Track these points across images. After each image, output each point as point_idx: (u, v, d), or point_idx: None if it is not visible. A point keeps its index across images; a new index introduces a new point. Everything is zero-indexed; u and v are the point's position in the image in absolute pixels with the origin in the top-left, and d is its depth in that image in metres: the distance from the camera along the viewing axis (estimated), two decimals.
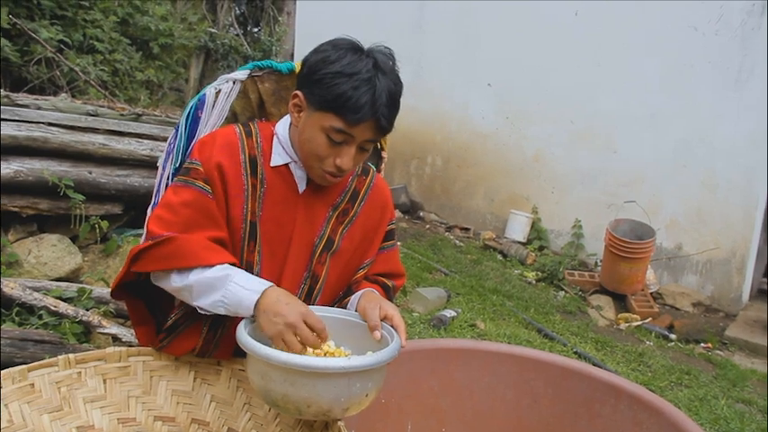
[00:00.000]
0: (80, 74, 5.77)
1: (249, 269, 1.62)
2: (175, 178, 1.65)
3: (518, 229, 7.03)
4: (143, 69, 7.47)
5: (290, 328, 1.42)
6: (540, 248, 6.90)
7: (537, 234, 7.02)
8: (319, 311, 1.62)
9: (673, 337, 5.32)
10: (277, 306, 1.45)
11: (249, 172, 1.63)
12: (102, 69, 6.37)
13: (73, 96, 5.60)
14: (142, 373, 1.72)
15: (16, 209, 3.57)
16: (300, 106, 1.58)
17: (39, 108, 3.92)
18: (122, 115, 4.24)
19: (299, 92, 1.57)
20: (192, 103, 1.86)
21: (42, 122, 3.77)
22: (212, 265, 1.52)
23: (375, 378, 1.43)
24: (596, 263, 6.54)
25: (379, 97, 1.48)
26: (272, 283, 1.51)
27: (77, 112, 4.05)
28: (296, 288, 1.68)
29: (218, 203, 1.60)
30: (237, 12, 12.89)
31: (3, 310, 2.97)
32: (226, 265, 1.53)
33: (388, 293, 1.83)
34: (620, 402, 2.03)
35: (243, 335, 1.42)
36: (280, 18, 12.53)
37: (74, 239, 3.79)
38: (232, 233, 1.62)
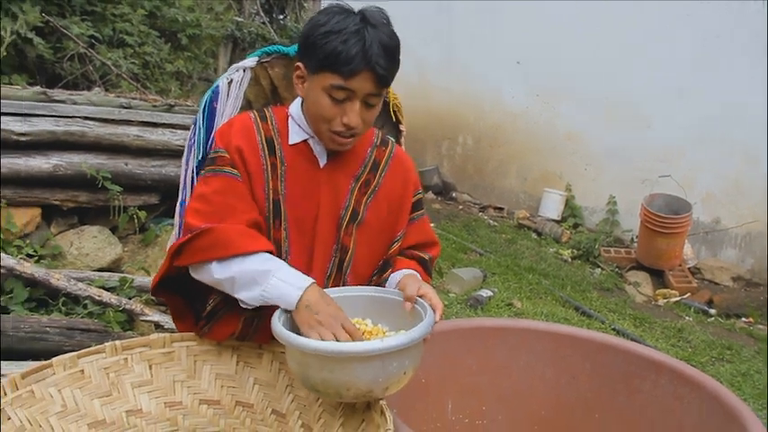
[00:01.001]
0: (112, 68, 5.85)
1: (277, 247, 1.65)
2: (203, 170, 1.68)
3: (552, 207, 6.99)
4: (172, 61, 7.51)
5: (329, 327, 1.44)
6: (575, 226, 6.86)
7: (571, 212, 6.97)
8: (356, 291, 1.64)
9: (712, 312, 5.26)
10: (319, 305, 1.48)
11: (267, 152, 1.66)
12: (132, 62, 6.43)
13: (106, 90, 5.69)
14: (186, 357, 1.75)
15: (57, 202, 3.66)
16: (303, 77, 1.61)
17: (74, 103, 3.99)
18: (155, 106, 4.30)
19: (299, 62, 1.61)
20: (206, 96, 1.90)
21: (78, 117, 3.83)
22: (251, 253, 1.54)
23: (412, 355, 1.45)
24: (632, 239, 6.47)
25: (370, 47, 1.50)
26: (313, 280, 1.53)
27: (111, 105, 4.11)
28: (327, 261, 1.71)
29: (246, 185, 1.63)
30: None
31: (50, 300, 3.06)
32: (266, 256, 1.55)
33: (426, 266, 1.84)
34: (660, 377, 2.02)
35: (277, 326, 1.44)
36: (305, 4, 12.52)
37: (113, 230, 3.87)
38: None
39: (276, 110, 1.75)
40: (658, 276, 5.87)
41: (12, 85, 4.95)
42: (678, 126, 6.28)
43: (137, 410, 1.66)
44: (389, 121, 2.18)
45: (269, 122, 1.70)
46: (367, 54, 1.49)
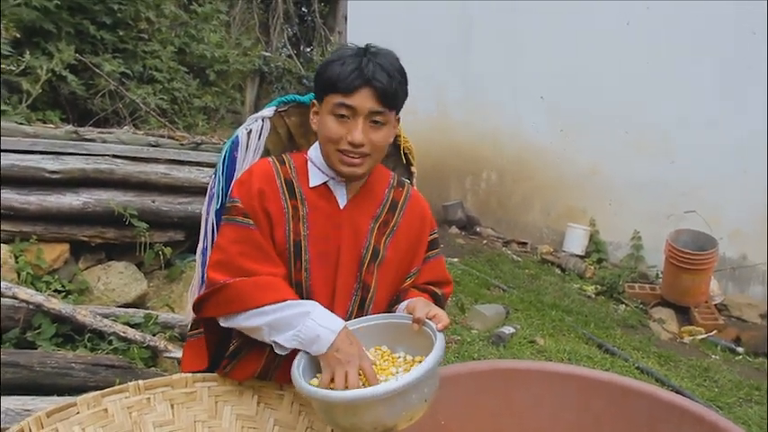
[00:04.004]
0: (141, 104, 5.98)
1: (299, 287, 1.70)
2: (222, 219, 1.75)
3: (576, 242, 6.95)
4: (200, 96, 7.67)
5: (345, 366, 1.50)
6: (599, 261, 6.80)
7: (595, 247, 6.92)
8: (370, 320, 1.69)
9: (740, 350, 5.17)
10: (344, 346, 1.53)
11: (288, 195, 1.71)
12: (161, 98, 6.57)
13: (135, 126, 5.81)
14: (207, 398, 1.78)
15: (86, 238, 3.73)
16: (316, 111, 1.70)
17: (104, 141, 4.08)
18: (182, 145, 4.38)
19: (314, 99, 1.71)
20: (226, 145, 1.95)
21: (108, 155, 3.91)
22: (273, 303, 1.59)
23: (429, 383, 1.48)
24: (657, 275, 6.40)
25: (367, 66, 1.59)
26: (344, 323, 1.59)
27: (140, 143, 4.20)
28: (348, 299, 1.74)
29: (263, 231, 1.68)
30: (290, 33, 13.12)
31: (76, 336, 3.11)
32: (300, 301, 1.61)
33: (438, 301, 1.86)
34: (683, 423, 1.99)
35: (299, 381, 1.49)
36: (331, 37, 12.71)
37: (139, 266, 3.92)
38: (278, 255, 1.70)
39: (294, 155, 1.81)
40: (684, 313, 5.78)
41: (45, 121, 5.10)
42: (704, 160, 6.24)
43: None
44: (401, 163, 2.22)
45: (287, 166, 1.76)
46: (363, 71, 1.59)
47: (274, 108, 1.96)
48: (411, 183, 2.15)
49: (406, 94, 1.69)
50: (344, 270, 1.73)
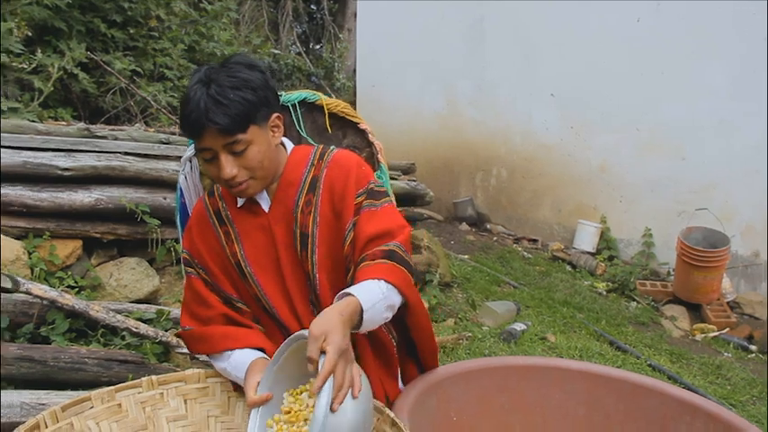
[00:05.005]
0: (152, 102, 6.01)
1: (257, 300, 1.79)
2: None
3: (587, 239, 6.92)
4: None
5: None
6: (610, 258, 6.78)
7: (606, 244, 6.89)
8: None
9: (753, 348, 5.13)
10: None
11: (218, 224, 1.80)
12: (171, 96, 6.61)
13: (146, 123, 5.85)
14: (220, 393, 1.80)
15: (98, 235, 3.75)
16: None
17: (116, 138, 4.10)
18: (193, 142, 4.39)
19: None
20: (177, 197, 2.07)
21: (119, 152, 3.93)
22: (210, 353, 1.81)
23: None
24: (669, 272, 6.37)
25: (196, 108, 1.56)
26: (252, 363, 1.69)
27: (151, 141, 4.21)
28: (305, 295, 1.79)
29: (208, 272, 1.81)
30: (299, 30, 13.14)
31: (89, 331, 3.12)
32: (220, 355, 1.77)
33: (393, 257, 1.67)
34: (695, 420, 1.99)
35: None
36: (340, 35, 12.72)
37: (151, 262, 3.94)
38: (236, 281, 1.80)
39: None
40: (696, 311, 5.76)
41: (57, 118, 5.13)
42: (715, 157, 6.20)
43: None
44: (351, 128, 2.15)
45: (215, 196, 1.84)
46: (199, 115, 1.56)
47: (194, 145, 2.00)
48: (369, 141, 2.12)
49: (261, 102, 1.61)
50: (289, 270, 1.77)
